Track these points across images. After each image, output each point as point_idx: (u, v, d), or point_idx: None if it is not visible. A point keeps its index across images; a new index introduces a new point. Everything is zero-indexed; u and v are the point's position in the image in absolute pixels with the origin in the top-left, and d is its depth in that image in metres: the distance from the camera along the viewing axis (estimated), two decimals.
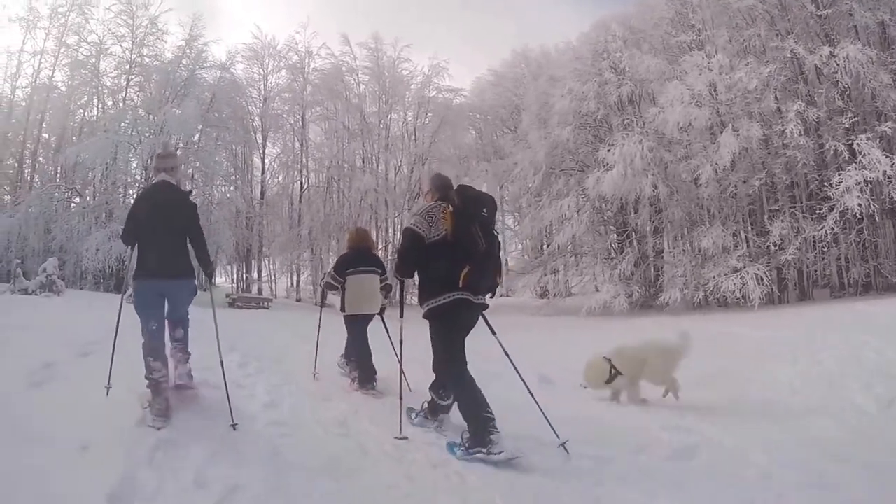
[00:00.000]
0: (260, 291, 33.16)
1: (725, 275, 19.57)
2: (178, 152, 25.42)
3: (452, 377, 4.88)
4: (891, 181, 17.39)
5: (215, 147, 30.55)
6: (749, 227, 21.95)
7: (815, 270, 20.56)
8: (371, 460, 4.46)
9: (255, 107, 34.50)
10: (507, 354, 5.31)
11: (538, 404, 5.00)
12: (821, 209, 18.76)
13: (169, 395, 4.98)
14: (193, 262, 5.47)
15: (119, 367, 5.14)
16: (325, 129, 35.42)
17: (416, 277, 5.12)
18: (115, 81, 28.41)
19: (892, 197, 17.87)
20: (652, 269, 24.46)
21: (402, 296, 5.51)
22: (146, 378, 4.92)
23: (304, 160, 34.80)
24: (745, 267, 19.35)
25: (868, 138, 17.88)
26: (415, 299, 5.21)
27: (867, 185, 17.47)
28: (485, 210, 4.91)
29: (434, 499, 3.85)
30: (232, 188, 32.17)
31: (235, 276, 34.46)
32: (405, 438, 4.88)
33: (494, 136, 39.24)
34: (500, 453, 4.33)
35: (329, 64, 35.16)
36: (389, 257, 28.28)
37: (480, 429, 4.45)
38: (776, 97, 20.29)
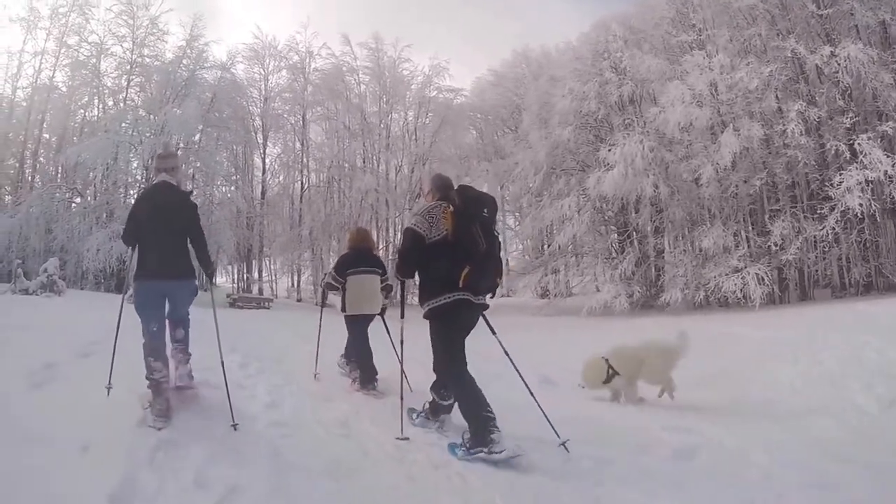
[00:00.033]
0: (261, 291, 33.17)
1: (726, 275, 19.56)
2: (179, 153, 25.48)
3: (452, 377, 4.88)
4: (892, 181, 17.38)
5: (216, 147, 30.58)
6: (750, 227, 21.93)
7: (816, 270, 20.56)
8: (372, 461, 4.45)
9: (255, 107, 34.59)
10: (507, 354, 5.31)
11: (539, 404, 5.01)
12: (822, 209, 18.76)
13: (170, 395, 4.97)
14: (194, 263, 5.47)
15: (120, 367, 5.13)
16: (325, 129, 35.44)
17: (417, 277, 5.11)
18: (116, 82, 28.50)
19: (894, 197, 17.83)
20: (653, 269, 24.41)
21: (402, 296, 5.49)
22: (147, 378, 4.92)
23: (304, 160, 34.83)
24: (746, 267, 19.35)
25: (869, 138, 17.87)
26: (415, 300, 5.20)
27: (868, 185, 17.47)
28: (485, 210, 4.91)
29: (435, 500, 3.84)
30: (233, 188, 32.24)
31: (236, 276, 34.53)
32: (406, 439, 4.87)
33: (495, 136, 39.22)
34: (501, 452, 4.33)
35: (330, 64, 35.26)
36: (390, 257, 28.29)
37: (481, 428, 4.44)
38: (777, 97, 20.29)
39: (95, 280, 24.06)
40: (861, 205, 17.23)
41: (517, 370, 5.27)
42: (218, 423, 4.83)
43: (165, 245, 5.08)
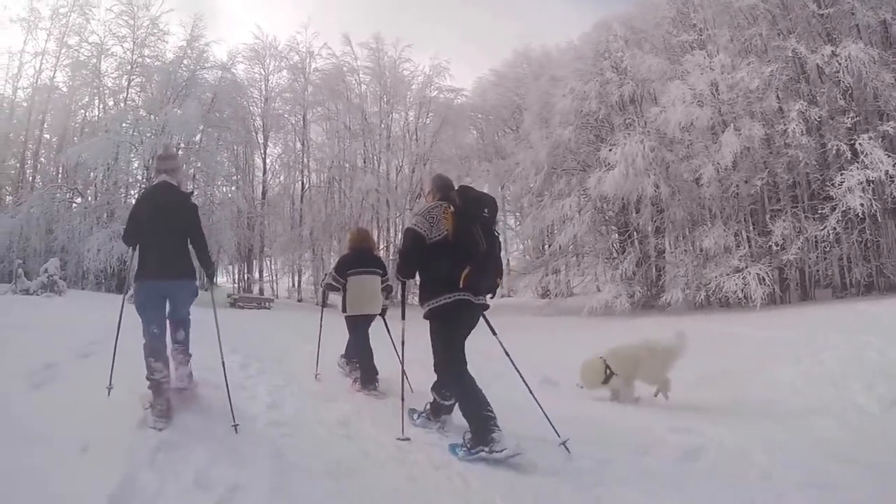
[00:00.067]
0: (261, 292, 33.19)
1: (727, 275, 19.55)
2: (180, 153, 25.54)
3: (452, 377, 4.88)
4: (893, 181, 17.33)
5: (217, 147, 30.62)
6: (751, 227, 21.91)
7: (817, 270, 20.55)
8: (373, 462, 4.44)
9: (256, 107, 34.68)
10: (507, 354, 5.31)
11: (539, 404, 5.00)
12: (823, 209, 18.74)
13: (170, 395, 4.96)
14: (195, 263, 5.47)
15: (120, 367, 5.13)
16: (326, 129, 35.52)
17: (418, 278, 5.11)
18: (117, 82, 28.52)
19: (895, 196, 17.80)
20: (653, 269, 24.40)
21: (403, 297, 5.49)
22: (147, 379, 4.91)
23: (305, 160, 34.87)
24: (746, 267, 19.33)
25: (870, 138, 17.85)
26: (416, 300, 5.20)
27: (869, 185, 17.45)
28: (486, 211, 4.91)
29: (437, 500, 3.84)
30: (233, 188, 32.27)
31: (237, 276, 34.55)
32: (407, 439, 4.86)
33: (496, 136, 39.21)
34: (502, 451, 4.33)
35: (330, 64, 35.34)
36: (391, 257, 28.30)
37: (482, 427, 4.44)
38: (778, 97, 20.27)
39: (96, 280, 24.06)
40: (862, 205, 17.20)
41: (517, 370, 5.27)
42: (219, 424, 4.82)
43: (166, 245, 5.08)
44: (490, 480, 4.08)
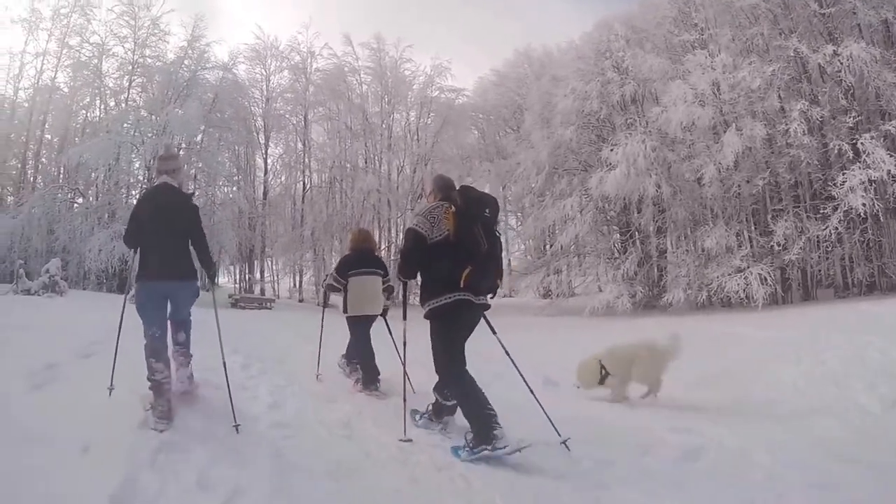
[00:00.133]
0: (262, 292, 33.24)
1: (729, 275, 19.52)
2: (181, 153, 25.58)
3: (452, 377, 4.89)
4: (895, 180, 17.31)
5: (218, 147, 30.66)
6: (752, 227, 21.87)
7: (819, 270, 20.50)
8: (375, 463, 4.44)
9: (257, 107, 34.72)
10: (507, 354, 5.31)
11: (540, 404, 5.01)
12: (825, 209, 18.70)
13: (171, 396, 4.96)
14: (196, 264, 5.47)
15: (121, 368, 5.13)
16: (327, 129, 35.53)
17: (419, 278, 5.11)
18: (118, 82, 28.55)
19: None
20: (655, 270, 24.39)
21: (405, 297, 5.48)
22: (148, 380, 4.91)
23: (306, 160, 34.89)
24: (748, 267, 19.30)
25: (872, 137, 17.82)
26: (417, 301, 5.20)
27: (871, 185, 17.41)
28: (487, 211, 4.91)
29: (439, 502, 3.83)
30: (234, 189, 32.34)
31: (238, 276, 34.57)
32: (409, 440, 4.86)
33: (497, 136, 39.20)
34: (504, 447, 4.34)
35: (331, 64, 35.35)
36: (392, 258, 28.30)
37: (483, 426, 4.45)
38: (779, 96, 20.21)
39: (97, 280, 24.05)
40: (864, 204, 17.16)
41: (518, 370, 5.28)
42: (220, 425, 4.82)
43: (167, 246, 5.08)
44: (492, 481, 4.08)
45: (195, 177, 28.80)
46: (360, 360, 7.25)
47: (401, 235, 29.30)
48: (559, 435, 4.81)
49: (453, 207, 4.76)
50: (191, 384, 5.58)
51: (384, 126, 35.02)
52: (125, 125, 26.33)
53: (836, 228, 18.28)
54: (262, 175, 34.67)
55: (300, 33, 35.96)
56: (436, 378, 5.12)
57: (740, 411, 6.46)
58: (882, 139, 17.87)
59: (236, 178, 32.93)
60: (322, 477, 4.03)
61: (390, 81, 35.14)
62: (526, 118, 30.87)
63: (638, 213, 24.92)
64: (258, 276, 34.76)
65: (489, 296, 5.02)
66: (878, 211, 17.41)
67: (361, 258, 7.50)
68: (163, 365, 4.98)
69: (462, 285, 4.64)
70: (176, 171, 5.57)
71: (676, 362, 7.06)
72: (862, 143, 17.93)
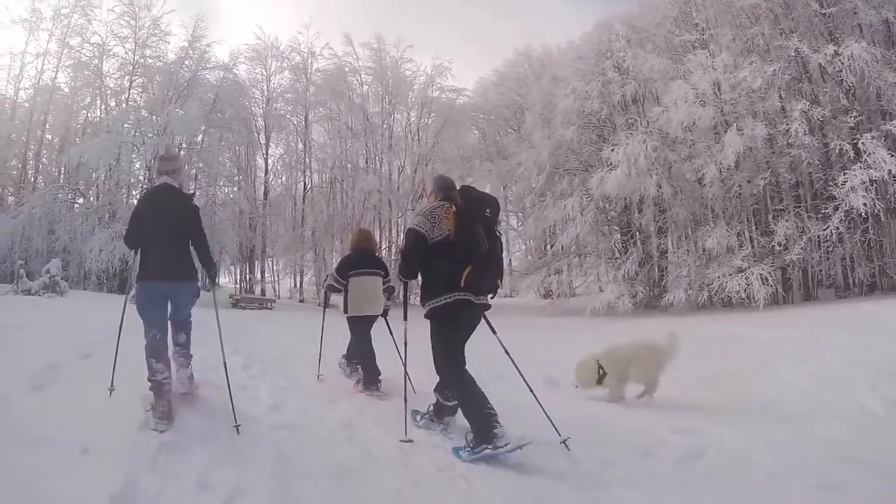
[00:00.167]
0: (263, 292, 33.27)
1: (730, 275, 19.50)
2: (181, 154, 25.63)
3: (452, 377, 4.89)
4: None
5: (218, 148, 30.65)
6: (753, 227, 21.88)
7: (820, 270, 20.48)
8: (376, 464, 4.43)
9: (258, 107, 34.73)
10: (507, 354, 5.31)
11: (540, 404, 5.01)
12: (825, 209, 18.69)
13: (172, 397, 4.95)
14: (197, 264, 5.46)
15: (122, 368, 5.14)
16: (328, 129, 35.56)
17: (420, 278, 5.10)
18: (118, 82, 28.58)
19: None
20: (656, 270, 24.39)
21: (405, 297, 5.47)
22: (149, 380, 4.91)
23: (307, 161, 34.89)
24: (749, 267, 19.28)
25: (873, 137, 17.80)
26: (418, 300, 5.19)
27: (872, 185, 17.39)
28: (488, 211, 4.90)
29: (440, 503, 3.83)
30: (235, 189, 32.38)
31: (239, 276, 34.59)
32: (410, 441, 4.85)
33: (498, 136, 39.22)
34: (506, 445, 4.33)
35: (332, 64, 35.40)
36: (393, 258, 28.30)
37: (484, 426, 4.44)
38: (780, 96, 20.20)
39: (98, 281, 24.04)
40: (865, 204, 17.13)
41: (518, 370, 5.28)
42: (221, 426, 4.81)
43: (167, 247, 5.08)
44: (493, 482, 4.07)
45: (196, 177, 28.84)
46: (361, 360, 7.26)
47: (401, 236, 29.24)
48: (559, 435, 4.81)
49: (454, 207, 4.75)
50: (191, 385, 5.57)
51: (385, 126, 35.04)
52: (126, 125, 26.33)
53: (837, 228, 18.28)
54: (263, 175, 34.77)
55: (301, 33, 36.01)
56: (436, 378, 5.12)
57: (741, 412, 6.44)
58: (883, 139, 17.85)
59: (237, 178, 32.98)
60: (323, 478, 4.02)
61: (391, 81, 35.15)
62: (526, 118, 30.83)
63: (639, 213, 24.88)
64: (259, 276, 34.83)
65: (489, 296, 5.01)
66: (878, 211, 17.39)
67: (362, 258, 7.50)
68: (163, 365, 4.98)
69: (462, 285, 4.64)
70: (176, 171, 5.56)
71: (676, 362, 7.04)
72: (863, 143, 17.91)
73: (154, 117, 26.69)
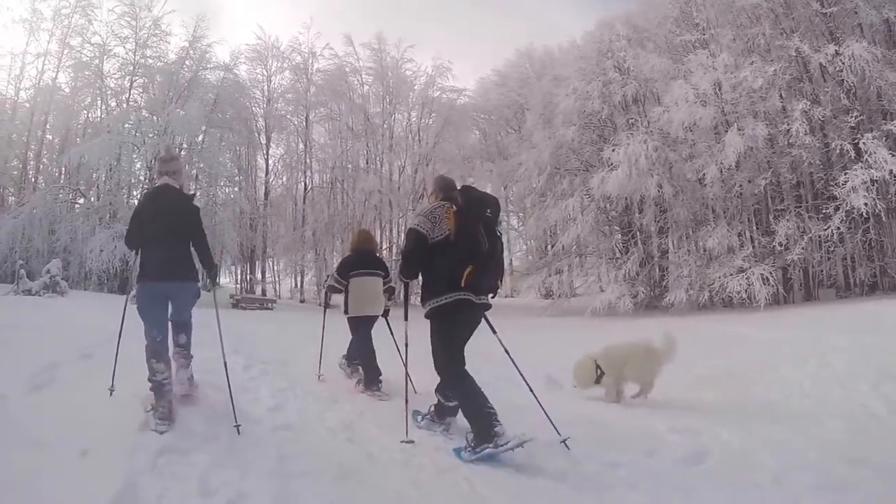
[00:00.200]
0: (264, 292, 33.30)
1: (731, 275, 19.49)
2: (182, 154, 25.66)
3: (452, 377, 4.89)
4: None
5: (219, 148, 30.64)
6: (754, 227, 21.90)
7: (821, 270, 20.43)
8: (377, 465, 4.41)
9: (258, 108, 34.75)
10: (507, 353, 5.31)
11: (541, 404, 5.01)
12: (826, 209, 18.68)
13: (172, 398, 4.94)
14: (197, 265, 5.45)
15: (122, 369, 5.12)
16: (328, 129, 35.58)
17: (420, 278, 5.09)
18: (119, 83, 28.55)
19: None
20: (657, 270, 24.38)
21: (406, 298, 5.46)
22: (149, 381, 4.90)
23: (307, 161, 34.91)
24: (750, 267, 19.26)
25: (874, 137, 17.77)
26: (419, 300, 5.18)
27: (873, 185, 17.35)
28: (488, 211, 4.90)
29: None
30: (236, 189, 32.39)
31: (239, 277, 34.60)
32: (412, 442, 4.83)
33: (498, 136, 39.31)
34: (507, 443, 4.32)
35: (332, 65, 35.43)
36: (393, 258, 28.29)
37: (484, 425, 4.44)
38: (781, 96, 20.19)
39: (98, 281, 23.99)
40: (866, 204, 17.10)
41: (518, 370, 5.28)
42: (221, 427, 4.79)
43: (168, 247, 5.07)
44: (494, 483, 4.06)
45: (196, 177, 28.85)
46: (362, 360, 7.26)
47: (402, 236, 29.27)
48: (559, 434, 4.81)
49: (454, 207, 4.76)
50: (191, 386, 5.55)
51: (385, 126, 35.07)
52: (126, 125, 26.30)
53: (838, 228, 18.25)
54: (264, 175, 34.80)
55: (301, 34, 36.13)
56: (437, 379, 5.11)
57: (742, 412, 6.43)
58: (884, 139, 17.82)
59: (237, 178, 32.99)
60: (324, 480, 4.00)
61: (391, 82, 35.18)
62: (527, 118, 30.87)
63: (640, 213, 24.86)
64: (259, 276, 34.83)
65: (490, 295, 5.01)
66: (879, 211, 17.38)
67: (362, 259, 7.51)
68: (164, 366, 4.97)
69: (463, 285, 4.64)
70: (177, 172, 5.55)
71: (676, 363, 7.03)
72: (864, 143, 17.88)
73: (155, 117, 26.67)
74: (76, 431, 4.20)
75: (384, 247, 31.57)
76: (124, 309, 5.39)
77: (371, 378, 6.97)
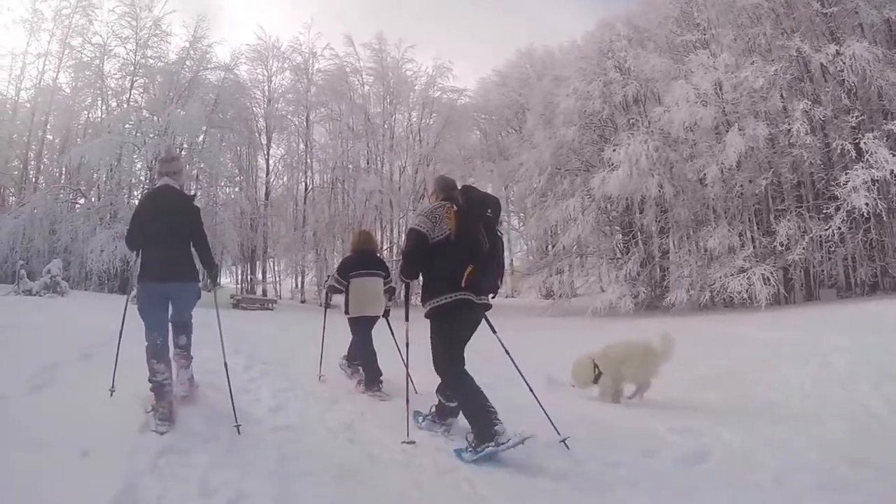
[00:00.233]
0: (264, 293, 33.27)
1: (732, 275, 19.46)
2: (183, 154, 25.66)
3: (452, 377, 4.89)
4: None
5: (220, 148, 30.61)
6: (755, 227, 21.88)
7: (822, 270, 20.41)
8: (378, 466, 4.41)
9: (259, 108, 34.68)
10: (507, 353, 5.31)
11: (540, 404, 5.01)
12: (827, 209, 18.63)
13: (173, 398, 4.94)
14: (198, 265, 5.45)
15: (122, 369, 5.12)
16: (329, 129, 35.54)
17: (421, 278, 5.08)
18: (119, 83, 28.53)
19: None
20: (658, 270, 24.36)
21: (407, 298, 5.46)
22: (149, 381, 4.90)
23: (308, 161, 34.88)
24: (751, 267, 19.24)
25: (875, 137, 17.74)
26: (419, 300, 5.17)
27: (874, 185, 17.33)
28: (489, 211, 4.91)
29: None
30: (236, 189, 32.38)
31: (240, 277, 34.59)
32: (413, 443, 4.83)
33: (499, 136, 39.28)
34: (507, 441, 4.32)
35: (333, 65, 35.36)
36: (394, 258, 28.28)
37: (485, 424, 4.44)
38: (782, 96, 20.17)
39: (99, 281, 24.00)
40: (867, 204, 17.07)
41: (518, 370, 5.28)
42: (222, 427, 4.79)
43: (168, 248, 5.08)
44: (495, 484, 4.06)
45: (197, 177, 28.85)
46: (362, 361, 7.27)
47: (403, 236, 29.24)
48: (559, 434, 4.80)
49: (455, 207, 4.76)
50: (191, 387, 5.55)
51: (386, 126, 35.05)
52: (127, 126, 26.28)
53: (839, 228, 18.21)
54: (264, 176, 34.77)
55: (302, 34, 36.21)
56: (438, 380, 5.11)
57: (743, 412, 6.43)
58: (885, 139, 17.79)
59: (238, 178, 33.04)
60: (325, 480, 4.00)
61: (392, 82, 35.15)
62: (528, 118, 30.83)
63: (640, 213, 24.81)
64: (260, 276, 34.83)
65: (490, 295, 5.01)
66: (880, 211, 17.38)
67: (363, 259, 7.50)
68: (164, 366, 4.97)
69: (463, 284, 4.65)
70: (177, 173, 5.56)
71: (677, 363, 7.03)
72: (865, 143, 17.85)
73: (155, 118, 26.67)
74: (76, 432, 4.20)
75: (385, 247, 31.58)
76: (125, 309, 5.39)
77: (372, 379, 6.97)
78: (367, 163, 34.56)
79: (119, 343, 5.22)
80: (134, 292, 5.30)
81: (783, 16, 21.25)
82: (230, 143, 31.82)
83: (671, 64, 23.34)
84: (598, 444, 4.94)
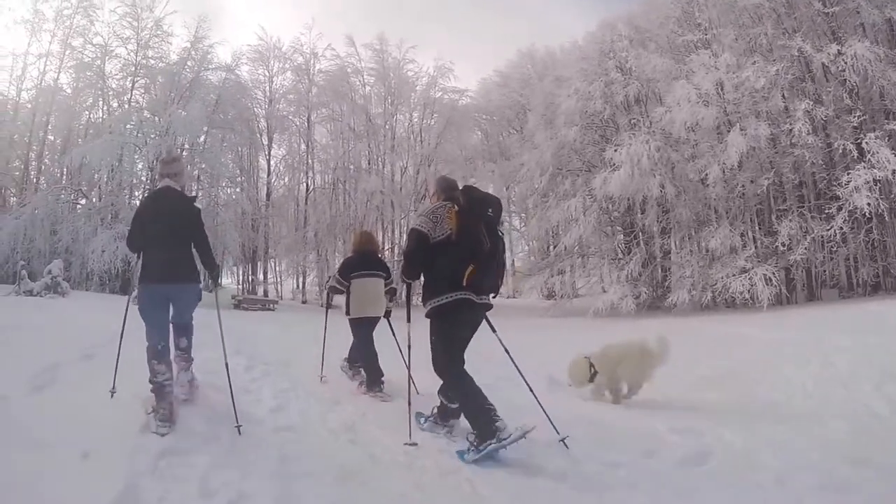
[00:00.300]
0: (266, 293, 33.26)
1: (733, 275, 19.42)
2: (184, 154, 25.66)
3: (452, 377, 4.89)
4: None
5: (221, 149, 30.61)
6: (757, 228, 21.83)
7: (824, 271, 20.37)
8: (380, 467, 4.41)
9: (260, 108, 34.68)
10: (507, 353, 5.32)
11: (540, 404, 5.01)
12: (829, 209, 18.60)
13: (173, 399, 4.94)
14: (199, 266, 5.45)
15: (123, 370, 5.11)
16: (330, 130, 35.51)
17: (422, 278, 5.08)
18: (121, 83, 28.51)
19: None
20: (659, 270, 24.35)
21: (408, 299, 5.46)
22: (150, 382, 4.90)
23: (309, 162, 34.90)
24: (753, 267, 19.20)
25: (876, 137, 17.70)
26: (420, 301, 5.17)
27: (876, 185, 17.29)
28: (490, 211, 4.91)
29: None
30: (238, 190, 32.37)
31: (241, 277, 34.59)
32: (415, 444, 4.83)
33: (500, 136, 39.24)
34: (509, 436, 4.33)
35: (334, 65, 35.33)
36: (395, 259, 28.27)
37: (485, 422, 4.45)
38: (783, 96, 20.15)
39: (100, 281, 23.99)
40: (869, 204, 17.03)
41: (518, 370, 5.29)
42: (223, 428, 4.79)
43: (169, 249, 5.09)
44: (496, 485, 4.06)
45: (198, 178, 28.86)
46: (364, 362, 7.26)
47: (404, 237, 29.23)
48: (559, 434, 4.79)
49: (456, 207, 4.76)
50: (191, 388, 5.55)
51: (387, 127, 35.01)
52: (128, 126, 26.28)
53: (841, 228, 18.18)
54: (266, 176, 34.79)
55: (303, 34, 36.32)
56: (440, 381, 5.10)
57: (745, 412, 6.42)
58: (886, 138, 17.75)
59: (239, 179, 33.04)
60: (326, 482, 4.00)
61: (393, 82, 35.12)
62: (529, 119, 30.82)
63: (642, 213, 24.77)
64: (261, 277, 34.84)
65: (491, 295, 5.01)
66: (882, 210, 17.34)
67: (364, 260, 7.50)
68: (165, 367, 4.98)
69: (464, 284, 4.65)
70: (178, 174, 5.57)
71: (678, 363, 7.04)
72: (866, 143, 17.81)
73: (156, 118, 26.66)
74: (77, 432, 4.20)
75: (386, 248, 31.59)
76: (126, 310, 5.39)
77: (373, 379, 6.98)
78: (369, 163, 34.52)
79: (120, 344, 5.23)
80: (135, 293, 5.30)
81: (784, 16, 21.22)
82: (231, 144, 31.84)
83: (672, 64, 23.31)
84: (597, 444, 4.95)
